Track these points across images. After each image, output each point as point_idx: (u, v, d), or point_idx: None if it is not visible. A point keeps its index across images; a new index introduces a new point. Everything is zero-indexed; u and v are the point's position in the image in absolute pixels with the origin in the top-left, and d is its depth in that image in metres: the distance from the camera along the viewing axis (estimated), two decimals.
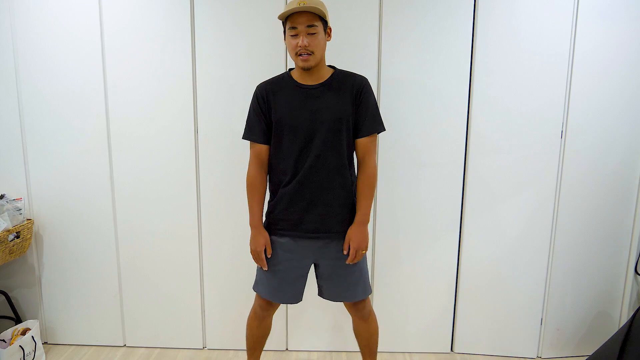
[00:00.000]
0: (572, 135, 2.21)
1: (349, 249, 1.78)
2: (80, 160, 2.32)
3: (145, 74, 2.25)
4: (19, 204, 2.29)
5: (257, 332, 2.01)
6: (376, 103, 1.81)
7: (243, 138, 1.84)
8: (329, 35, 1.77)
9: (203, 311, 2.45)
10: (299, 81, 1.77)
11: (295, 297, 1.91)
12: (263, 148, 1.82)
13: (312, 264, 1.90)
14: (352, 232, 1.78)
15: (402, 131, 2.25)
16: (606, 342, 2.04)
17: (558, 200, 2.27)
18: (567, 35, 2.14)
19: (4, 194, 2.30)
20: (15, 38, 2.23)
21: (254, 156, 1.83)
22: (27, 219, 2.35)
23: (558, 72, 2.17)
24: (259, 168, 1.83)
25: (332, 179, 1.76)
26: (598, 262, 2.34)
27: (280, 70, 2.18)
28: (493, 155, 2.25)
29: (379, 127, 1.80)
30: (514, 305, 2.38)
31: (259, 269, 1.90)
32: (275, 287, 1.88)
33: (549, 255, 2.32)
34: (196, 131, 2.28)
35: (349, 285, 1.86)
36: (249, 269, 2.37)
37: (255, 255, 1.84)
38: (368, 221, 1.81)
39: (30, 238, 2.34)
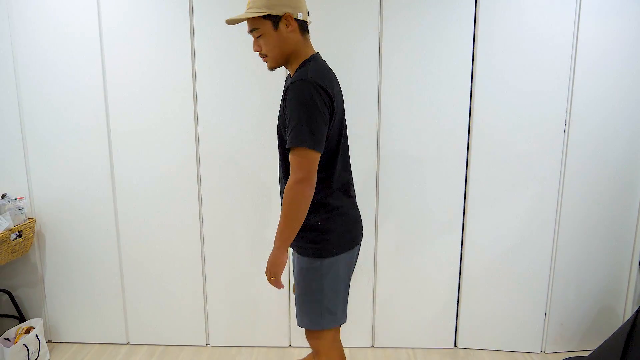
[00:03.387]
0: (575, 129, 2.19)
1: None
2: (81, 158, 2.32)
3: (144, 68, 2.23)
4: (20, 203, 2.29)
5: None
6: (301, 111, 1.39)
7: None
8: (290, 25, 1.47)
9: (206, 308, 2.45)
10: None
11: None
12: None
13: None
14: None
15: (404, 126, 2.23)
16: (610, 337, 2.03)
17: (561, 194, 2.25)
18: (569, 29, 2.11)
19: (6, 194, 2.29)
20: (14, 36, 2.22)
21: None
22: (29, 218, 2.35)
23: (560, 66, 2.14)
24: None
25: (282, 189, 1.60)
26: (602, 256, 2.32)
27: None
28: (495, 149, 2.23)
29: (292, 141, 1.40)
30: (518, 301, 2.37)
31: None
32: None
33: (552, 250, 2.30)
34: (196, 126, 2.27)
35: (296, 306, 1.67)
36: (251, 266, 2.38)
37: None
38: (279, 246, 1.49)
39: (32, 237, 2.34)
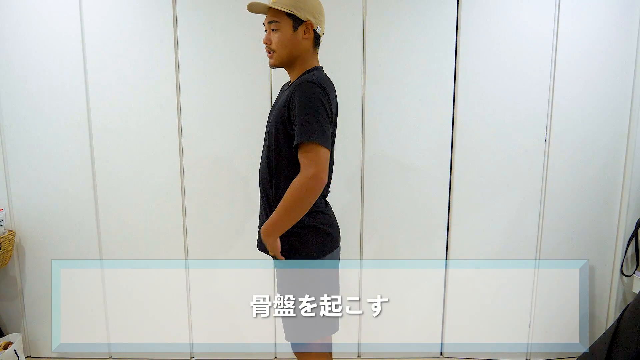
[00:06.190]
0: (555, 139, 2.21)
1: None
2: (63, 171, 2.28)
3: (127, 73, 2.21)
4: None
5: None
6: (309, 109, 1.42)
7: None
8: (307, 33, 1.52)
9: (190, 319, 2.42)
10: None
11: None
12: None
13: None
14: None
15: (388, 135, 2.24)
16: (594, 344, 2.05)
17: (543, 204, 2.28)
18: (549, 38, 2.15)
19: None
20: None
21: None
22: (9, 231, 2.30)
23: (541, 76, 2.17)
24: None
25: (266, 190, 1.62)
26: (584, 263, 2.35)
27: (264, 69, 2.17)
28: (479, 158, 2.25)
29: (302, 136, 1.40)
30: (502, 309, 2.38)
31: None
32: None
33: (535, 258, 2.32)
34: (180, 135, 2.25)
35: (283, 321, 1.64)
36: (236, 277, 2.36)
37: None
38: (270, 236, 1.51)
39: (11, 250, 2.29)
